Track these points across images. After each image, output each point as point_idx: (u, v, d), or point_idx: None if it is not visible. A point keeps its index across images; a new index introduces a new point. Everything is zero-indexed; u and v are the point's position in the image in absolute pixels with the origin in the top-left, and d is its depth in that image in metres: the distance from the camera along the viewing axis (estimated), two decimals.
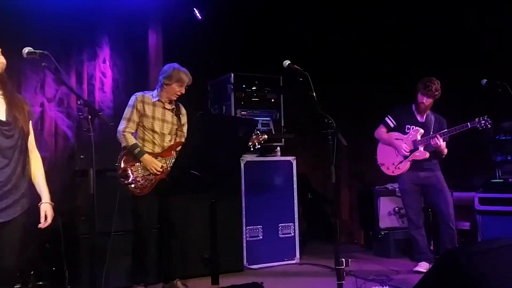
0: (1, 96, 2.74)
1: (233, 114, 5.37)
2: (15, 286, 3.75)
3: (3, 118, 2.70)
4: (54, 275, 4.35)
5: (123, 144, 4.11)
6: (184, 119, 4.33)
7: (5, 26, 4.43)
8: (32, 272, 4.19)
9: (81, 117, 2.88)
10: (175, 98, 4.24)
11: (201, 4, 5.86)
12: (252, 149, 4.12)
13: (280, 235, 5.39)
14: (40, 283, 4.26)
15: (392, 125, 5.02)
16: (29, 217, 2.84)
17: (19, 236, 2.79)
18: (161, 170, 4.04)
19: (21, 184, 2.76)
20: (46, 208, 2.88)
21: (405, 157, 4.88)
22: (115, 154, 4.10)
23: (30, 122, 2.90)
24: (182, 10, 5.76)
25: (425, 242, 4.96)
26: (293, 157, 5.55)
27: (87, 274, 4.02)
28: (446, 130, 4.74)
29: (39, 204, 2.89)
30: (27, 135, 2.82)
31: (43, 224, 2.88)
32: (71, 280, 4.21)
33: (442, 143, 4.70)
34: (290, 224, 5.44)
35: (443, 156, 4.83)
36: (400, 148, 4.89)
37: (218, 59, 5.94)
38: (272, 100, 5.71)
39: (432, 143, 4.73)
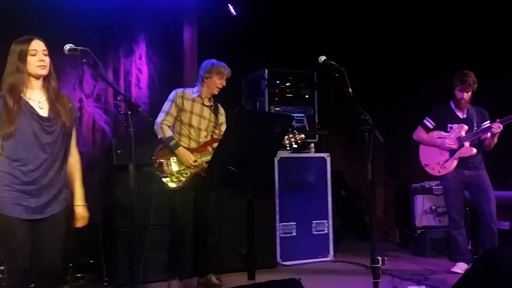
0: (45, 94, 2.79)
1: (267, 110, 5.38)
2: None
3: (45, 115, 2.75)
4: (92, 267, 4.45)
5: (160, 136, 4.16)
6: (222, 118, 4.37)
7: (45, 24, 4.54)
8: (71, 265, 4.30)
9: (121, 112, 2.92)
10: (216, 92, 4.28)
11: (236, 0, 5.87)
12: (288, 147, 4.11)
13: (313, 232, 5.36)
14: (79, 275, 4.37)
15: (431, 127, 4.91)
16: (70, 212, 2.89)
17: (61, 231, 2.82)
18: (194, 163, 4.08)
19: (59, 180, 2.79)
20: (79, 211, 2.91)
21: (451, 155, 4.76)
22: (151, 149, 4.16)
23: (74, 119, 2.92)
24: (216, 6, 5.79)
25: (465, 242, 4.85)
26: (327, 154, 5.51)
27: (124, 267, 4.12)
28: (503, 119, 4.54)
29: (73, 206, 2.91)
30: (69, 131, 2.85)
31: (76, 225, 2.91)
32: (109, 273, 4.29)
33: (498, 130, 4.54)
34: (324, 221, 5.41)
35: (490, 148, 4.71)
36: (444, 144, 4.77)
37: (253, 55, 5.94)
38: (306, 96, 5.69)
39: (494, 131, 4.54)
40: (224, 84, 4.29)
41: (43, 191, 2.71)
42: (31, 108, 2.73)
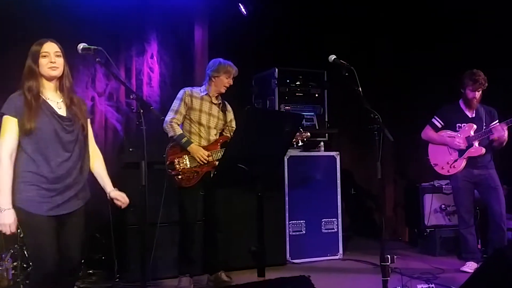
0: (60, 95, 2.86)
1: (276, 108, 5.40)
2: None
3: (64, 114, 2.82)
4: (104, 264, 4.51)
5: (170, 134, 4.21)
6: (230, 115, 4.41)
7: (58, 23, 4.60)
8: (82, 261, 4.36)
9: (133, 111, 2.97)
10: (224, 91, 4.32)
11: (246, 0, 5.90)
12: (295, 145, 4.14)
13: (323, 230, 5.38)
14: (91, 271, 4.43)
15: (439, 126, 4.91)
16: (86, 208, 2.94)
17: (81, 227, 2.90)
18: (208, 158, 4.12)
19: (81, 179, 2.87)
20: (117, 194, 3.02)
21: (460, 154, 4.76)
22: (161, 148, 4.20)
23: (88, 120, 3.01)
24: (227, 6, 5.82)
25: (475, 241, 4.84)
26: (337, 153, 5.52)
27: (135, 264, 4.16)
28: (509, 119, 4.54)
29: (108, 195, 3.01)
30: (86, 131, 2.93)
31: (124, 204, 3.03)
32: (120, 269, 4.34)
33: (502, 133, 4.54)
34: (333, 219, 5.43)
35: (503, 146, 4.69)
36: (453, 143, 4.77)
37: (263, 54, 5.97)
38: (316, 95, 5.70)
39: (496, 135, 4.55)
40: (231, 83, 4.32)
41: (67, 189, 2.78)
42: (50, 108, 2.79)
